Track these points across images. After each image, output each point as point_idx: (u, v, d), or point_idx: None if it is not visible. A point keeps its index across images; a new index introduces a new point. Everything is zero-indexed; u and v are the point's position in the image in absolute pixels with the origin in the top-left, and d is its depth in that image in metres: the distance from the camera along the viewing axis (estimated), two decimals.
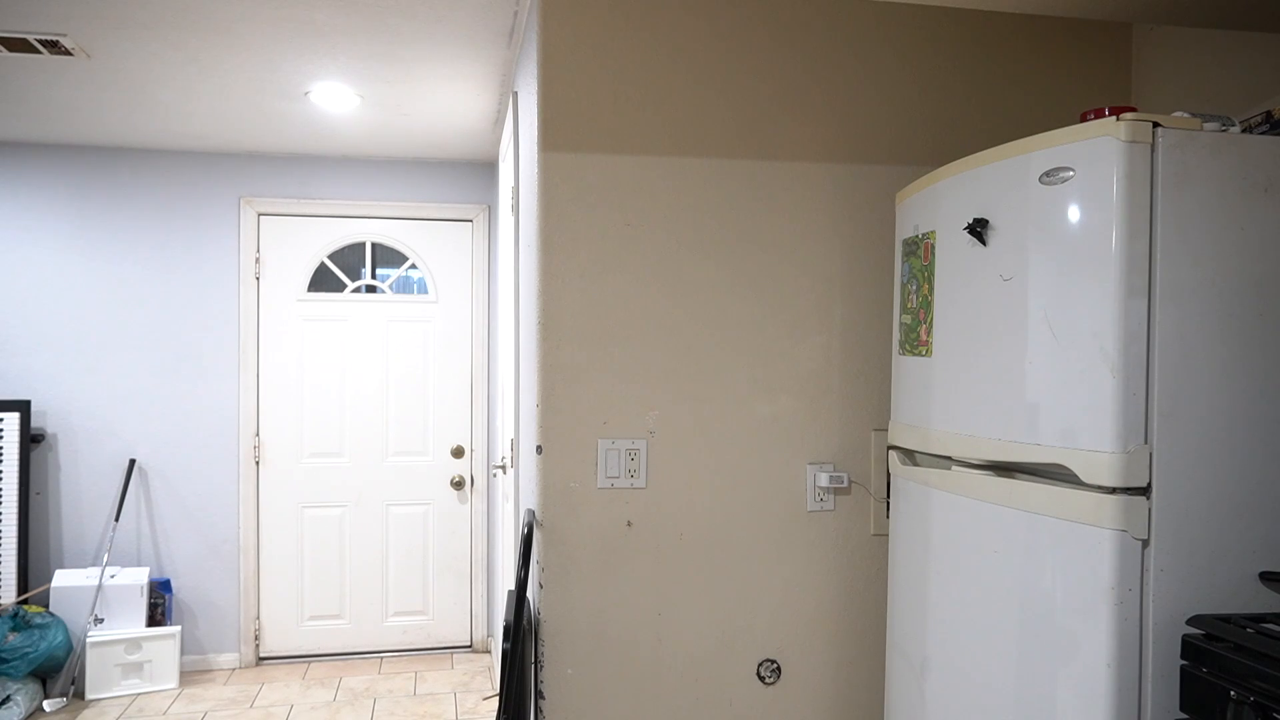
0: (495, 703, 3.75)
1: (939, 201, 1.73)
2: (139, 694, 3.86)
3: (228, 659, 4.21)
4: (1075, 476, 1.41)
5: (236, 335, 4.20)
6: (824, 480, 2.12)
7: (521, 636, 1.94)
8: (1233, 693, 1.21)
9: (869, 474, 2.16)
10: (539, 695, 2.02)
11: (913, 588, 1.83)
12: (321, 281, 4.31)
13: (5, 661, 3.48)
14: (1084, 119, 1.44)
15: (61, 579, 3.86)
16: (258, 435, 4.23)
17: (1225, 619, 1.30)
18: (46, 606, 3.85)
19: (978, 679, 1.59)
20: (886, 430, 2.17)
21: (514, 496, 2.75)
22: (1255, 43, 1.96)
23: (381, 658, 4.36)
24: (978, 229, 1.58)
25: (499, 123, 3.64)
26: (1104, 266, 1.36)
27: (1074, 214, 1.41)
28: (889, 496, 2.14)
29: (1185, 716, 1.31)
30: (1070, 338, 1.41)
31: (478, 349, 4.43)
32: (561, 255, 2.01)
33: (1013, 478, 1.54)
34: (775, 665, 2.12)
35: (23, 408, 3.92)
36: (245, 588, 4.21)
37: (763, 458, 2.11)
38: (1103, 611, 1.35)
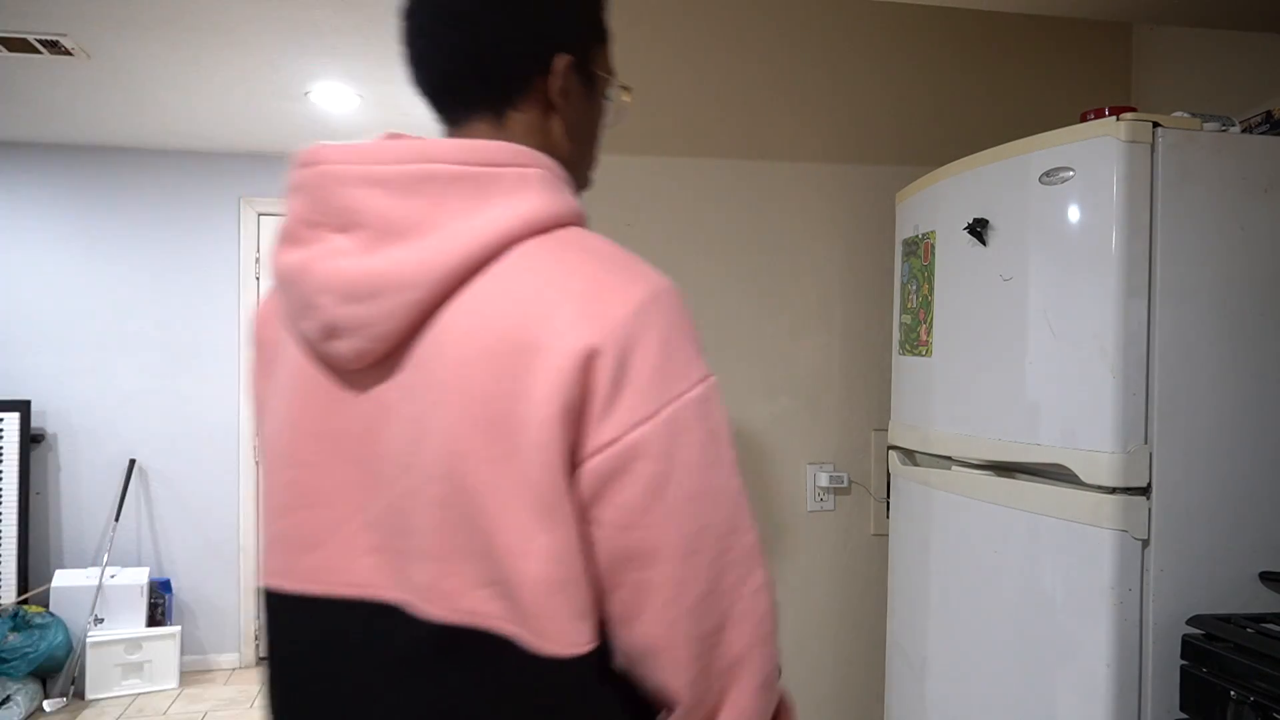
0: None
1: (939, 201, 1.73)
2: (139, 694, 3.86)
3: (228, 659, 4.21)
4: (1075, 476, 1.41)
5: (237, 335, 4.20)
6: (824, 480, 2.11)
7: None
8: (1233, 693, 1.21)
9: (869, 474, 2.16)
10: None
11: (913, 588, 1.82)
12: None
13: (5, 661, 3.48)
14: (1084, 119, 1.44)
15: (61, 579, 3.86)
16: (258, 435, 4.22)
17: (1225, 619, 1.30)
18: (46, 606, 3.84)
19: (977, 679, 1.59)
20: (886, 430, 2.16)
21: None
22: (1255, 43, 1.96)
23: None
24: (978, 229, 1.58)
25: None
26: (1104, 266, 1.36)
27: (1074, 214, 1.41)
28: (889, 496, 2.14)
29: (1185, 716, 1.31)
30: (1070, 338, 1.41)
31: None
32: None
33: (1013, 478, 1.53)
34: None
35: (23, 408, 3.92)
36: (245, 588, 4.21)
37: (762, 458, 2.11)
38: (1102, 611, 1.35)
